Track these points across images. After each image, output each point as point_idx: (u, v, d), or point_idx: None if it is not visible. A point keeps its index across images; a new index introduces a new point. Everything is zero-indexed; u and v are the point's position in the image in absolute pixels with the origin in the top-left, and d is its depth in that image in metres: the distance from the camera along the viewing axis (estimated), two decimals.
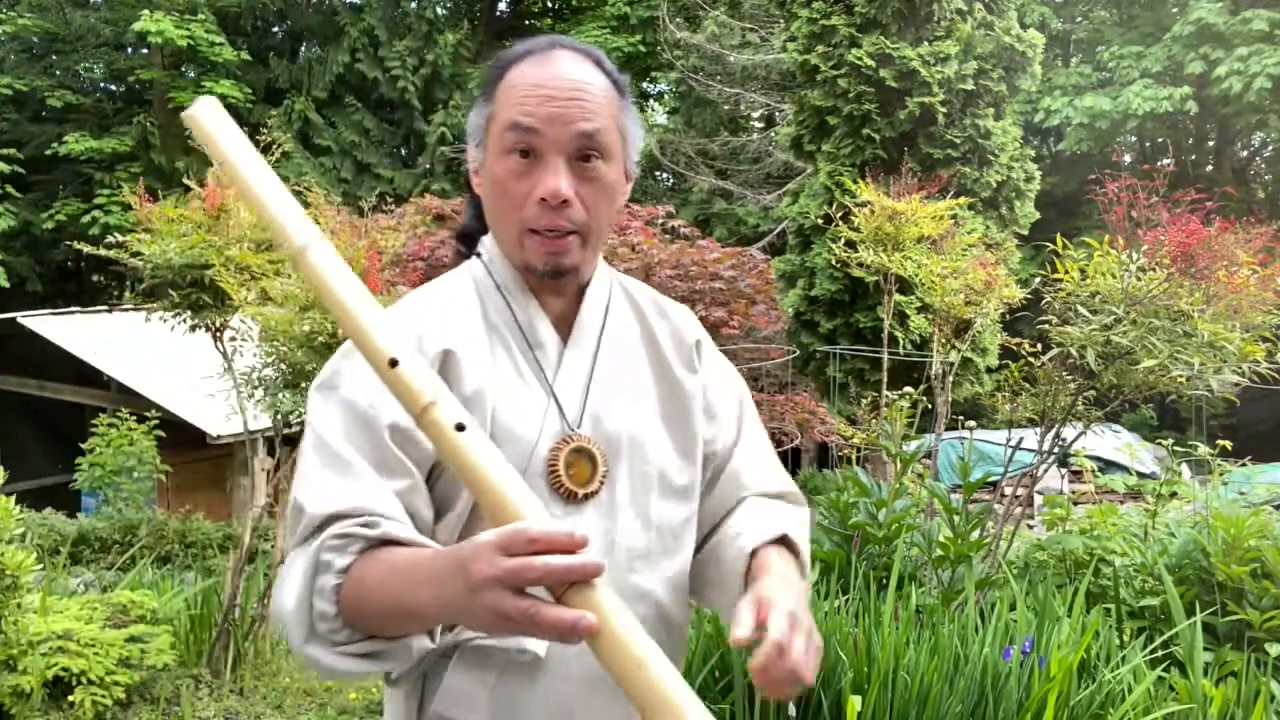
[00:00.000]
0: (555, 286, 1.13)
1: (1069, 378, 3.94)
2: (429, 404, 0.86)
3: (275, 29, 20.96)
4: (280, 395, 3.63)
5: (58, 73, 18.90)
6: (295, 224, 0.91)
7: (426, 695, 1.09)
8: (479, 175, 1.16)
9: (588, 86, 1.08)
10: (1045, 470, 4.20)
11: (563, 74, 1.08)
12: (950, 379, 4.71)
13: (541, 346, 1.13)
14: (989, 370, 8.96)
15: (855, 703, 2.58)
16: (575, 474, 1.09)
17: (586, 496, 1.09)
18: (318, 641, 0.96)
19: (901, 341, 8.62)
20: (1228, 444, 4.62)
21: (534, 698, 1.07)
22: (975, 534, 3.74)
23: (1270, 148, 19.06)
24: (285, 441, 3.97)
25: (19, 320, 10.38)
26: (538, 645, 1.06)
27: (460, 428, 0.85)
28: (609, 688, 1.08)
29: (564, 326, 1.16)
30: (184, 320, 4.01)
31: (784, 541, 1.15)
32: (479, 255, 1.20)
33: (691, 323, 1.26)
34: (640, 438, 1.14)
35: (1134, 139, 19.28)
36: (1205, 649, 3.26)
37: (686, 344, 1.22)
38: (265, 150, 4.27)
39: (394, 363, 0.87)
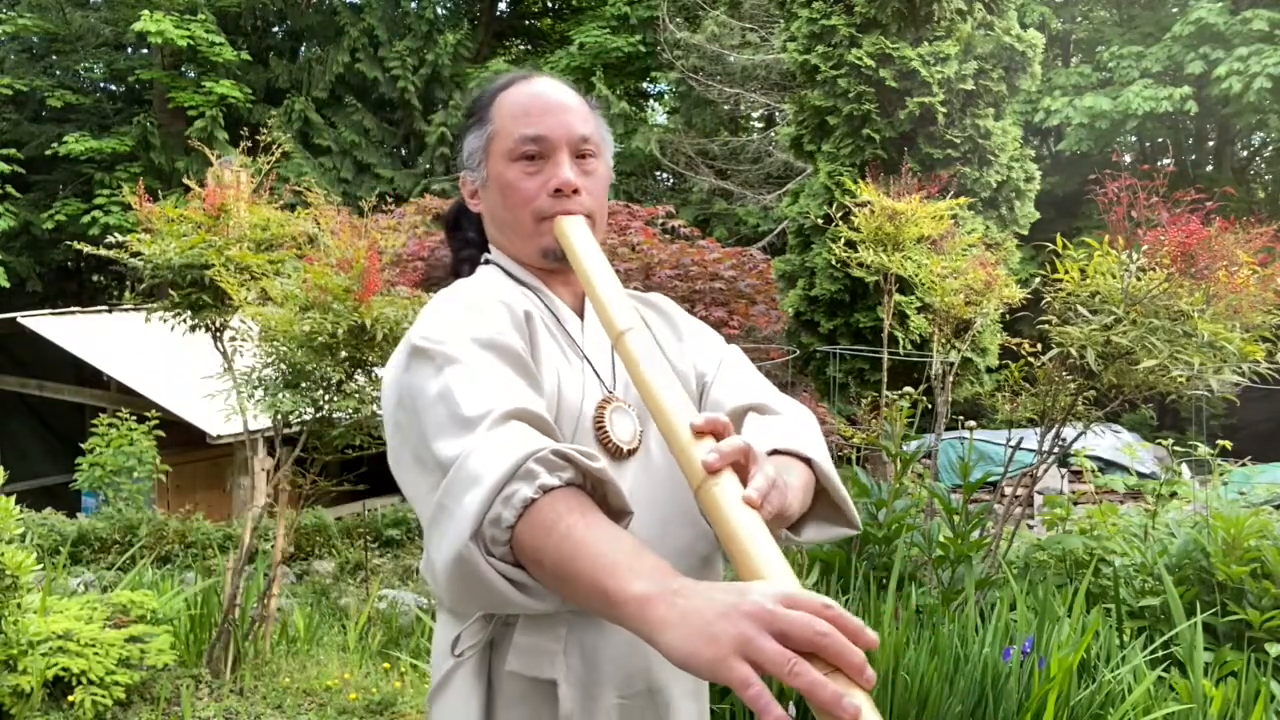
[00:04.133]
0: (567, 274, 1.23)
1: (1069, 378, 3.94)
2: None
3: (275, 29, 20.96)
4: (280, 395, 3.62)
5: (58, 73, 18.92)
6: (619, 311, 1.10)
7: (495, 658, 1.11)
8: (479, 194, 1.29)
9: (573, 100, 1.26)
10: (1045, 470, 4.20)
11: (551, 92, 1.25)
12: (950, 379, 4.71)
13: (567, 322, 1.24)
14: (989, 370, 8.96)
15: None
16: (620, 431, 1.17)
17: (630, 452, 1.16)
18: (479, 541, 0.92)
19: (901, 341, 8.62)
20: (1228, 444, 4.62)
21: (609, 647, 1.10)
22: (975, 534, 3.74)
23: (1270, 148, 19.05)
24: (285, 441, 3.97)
25: (19, 320, 10.38)
26: None
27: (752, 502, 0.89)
28: None
29: (577, 312, 1.27)
30: (184, 320, 4.01)
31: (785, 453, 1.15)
32: (487, 263, 1.31)
33: (666, 302, 1.39)
34: None
35: (1134, 139, 19.28)
36: (1205, 649, 3.26)
37: (672, 322, 1.35)
38: (265, 150, 4.27)
39: (699, 433, 0.95)
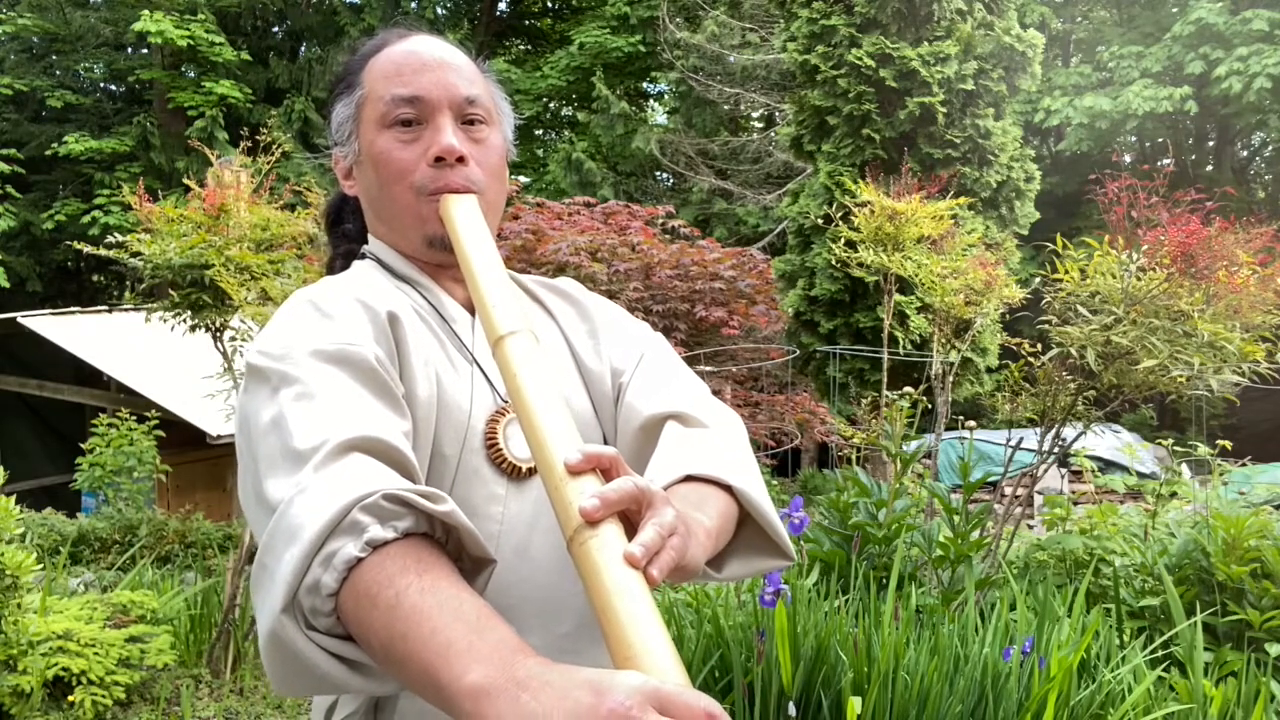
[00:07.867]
0: (458, 268, 1.05)
1: (1069, 378, 3.94)
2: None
3: (275, 29, 20.96)
4: None
5: (58, 73, 18.92)
6: (503, 311, 0.93)
7: None
8: (353, 173, 1.13)
9: (457, 57, 1.11)
10: (1045, 470, 4.20)
11: (430, 49, 1.10)
12: (950, 379, 4.71)
13: (455, 321, 1.08)
14: (989, 370, 8.96)
15: (855, 704, 2.58)
16: (518, 446, 1.02)
17: (530, 472, 1.01)
18: (294, 613, 0.76)
19: (901, 341, 8.61)
20: (1228, 444, 4.61)
21: None
22: (975, 534, 3.74)
23: (1270, 148, 19.06)
24: None
25: (19, 320, 10.38)
26: None
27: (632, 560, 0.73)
28: None
29: (469, 309, 1.11)
30: (184, 320, 4.01)
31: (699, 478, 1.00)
32: (364, 257, 1.15)
33: (578, 289, 1.22)
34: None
35: (1134, 139, 19.28)
36: (1205, 649, 3.26)
37: (585, 313, 1.19)
38: (265, 150, 4.27)
39: (575, 472, 0.79)
